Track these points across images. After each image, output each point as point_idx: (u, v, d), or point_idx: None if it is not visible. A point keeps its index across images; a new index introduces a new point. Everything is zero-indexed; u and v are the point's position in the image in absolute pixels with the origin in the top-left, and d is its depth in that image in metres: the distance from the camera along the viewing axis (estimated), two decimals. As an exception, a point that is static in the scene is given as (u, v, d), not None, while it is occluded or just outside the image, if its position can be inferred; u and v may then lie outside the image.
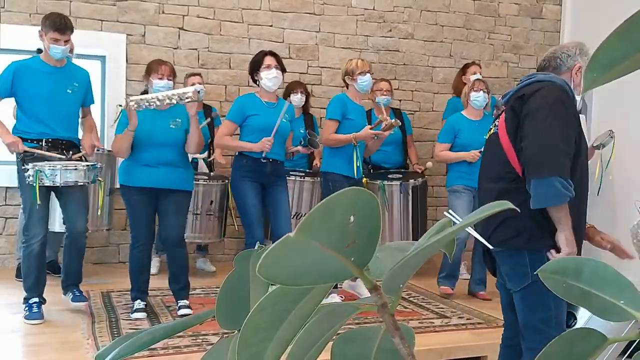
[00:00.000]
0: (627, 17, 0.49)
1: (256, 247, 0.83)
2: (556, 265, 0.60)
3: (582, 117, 6.28)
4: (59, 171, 3.87)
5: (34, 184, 3.81)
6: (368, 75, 4.72)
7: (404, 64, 6.66)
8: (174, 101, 3.97)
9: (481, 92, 4.90)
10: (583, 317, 2.44)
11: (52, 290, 4.27)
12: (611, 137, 5.43)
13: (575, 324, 2.50)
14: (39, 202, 3.85)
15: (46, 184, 3.87)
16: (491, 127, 2.65)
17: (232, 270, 0.83)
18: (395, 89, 6.58)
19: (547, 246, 2.32)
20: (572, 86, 2.50)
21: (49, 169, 3.85)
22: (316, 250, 0.48)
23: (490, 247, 2.29)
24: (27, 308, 3.99)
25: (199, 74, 5.54)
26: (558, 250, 2.31)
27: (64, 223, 4.23)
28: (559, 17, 7.16)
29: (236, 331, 0.84)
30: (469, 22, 6.87)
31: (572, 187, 2.24)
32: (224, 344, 0.87)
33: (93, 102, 4.45)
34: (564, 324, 2.39)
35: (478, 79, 5.11)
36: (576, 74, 2.52)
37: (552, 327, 2.33)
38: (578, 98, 2.53)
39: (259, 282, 0.81)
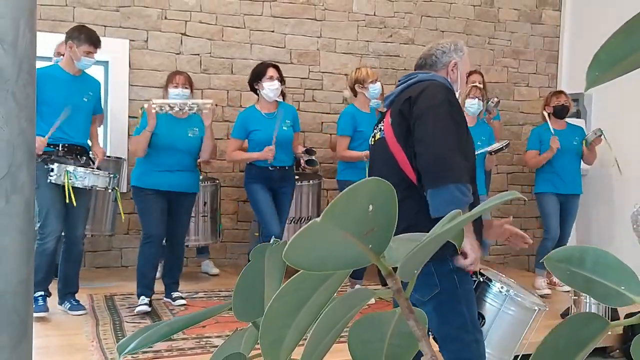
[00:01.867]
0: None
1: (271, 242, 0.87)
2: (560, 254, 0.63)
3: (581, 121, 6.35)
4: (89, 175, 4.09)
5: (61, 184, 4.00)
6: (378, 83, 5.01)
7: (405, 69, 6.70)
8: (194, 110, 4.35)
9: (476, 99, 5.03)
10: (490, 317, 2.45)
11: (57, 293, 4.31)
12: (596, 134, 5.50)
13: (484, 323, 2.49)
14: (74, 202, 4.01)
15: (76, 185, 4.05)
16: (375, 131, 2.55)
17: (249, 264, 0.87)
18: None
19: (450, 254, 2.23)
20: (450, 83, 2.46)
21: (80, 172, 4.05)
22: (338, 236, 0.51)
23: None
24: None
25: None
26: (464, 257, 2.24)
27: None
28: (559, 22, 7.21)
29: (250, 324, 0.88)
30: (469, 28, 6.92)
31: (471, 191, 2.19)
32: (238, 337, 0.91)
33: (102, 112, 4.69)
34: (479, 325, 2.33)
35: (475, 86, 5.20)
36: (452, 70, 2.49)
37: (470, 332, 2.27)
38: (457, 94, 2.45)
39: (274, 274, 0.84)
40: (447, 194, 2.14)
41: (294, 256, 0.52)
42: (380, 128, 2.47)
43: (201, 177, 5.58)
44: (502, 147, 5.22)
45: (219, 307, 0.92)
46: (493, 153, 5.23)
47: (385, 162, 2.36)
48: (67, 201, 4.02)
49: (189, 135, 4.44)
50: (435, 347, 2.38)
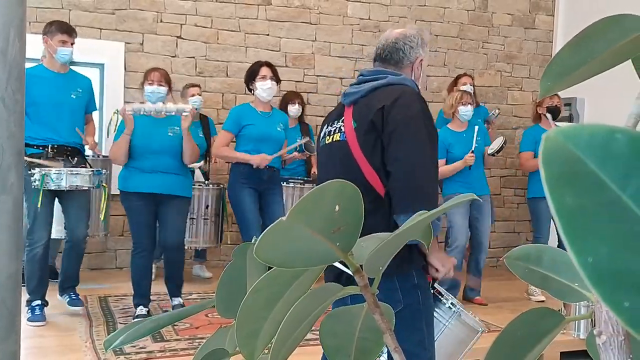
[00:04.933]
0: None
1: (252, 241, 0.90)
2: (519, 252, 0.67)
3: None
4: (65, 175, 4.00)
5: (40, 188, 3.93)
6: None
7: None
8: (172, 112, 4.17)
9: (469, 105, 5.03)
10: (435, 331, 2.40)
11: (50, 294, 4.33)
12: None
13: None
14: (39, 205, 3.96)
15: (52, 188, 3.99)
16: (330, 129, 2.33)
17: (231, 262, 0.90)
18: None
19: (415, 269, 2.14)
20: (413, 79, 2.30)
21: (55, 173, 3.98)
22: (306, 234, 0.55)
23: (350, 272, 1.98)
24: (29, 310, 4.07)
25: (198, 85, 5.63)
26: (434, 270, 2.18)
27: (65, 228, 4.32)
28: (552, 27, 7.27)
29: (233, 320, 0.91)
30: (463, 32, 6.97)
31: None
32: (222, 333, 0.94)
33: (95, 109, 4.59)
34: (434, 342, 2.26)
35: (466, 92, 5.21)
36: (418, 67, 2.31)
37: (427, 349, 2.18)
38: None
39: (255, 271, 0.88)
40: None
41: (264, 253, 0.56)
42: (340, 128, 2.25)
43: (208, 181, 5.63)
44: (502, 146, 5.23)
45: (202, 305, 0.95)
46: (495, 154, 5.26)
47: (348, 169, 2.16)
48: (39, 204, 3.97)
49: (169, 134, 4.24)
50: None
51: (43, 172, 3.97)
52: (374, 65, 2.35)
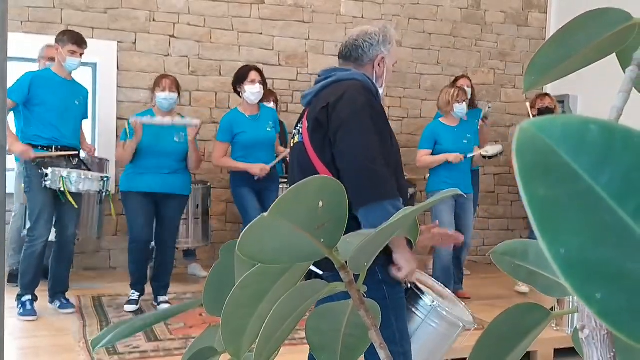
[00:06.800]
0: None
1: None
2: (505, 248, 0.67)
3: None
4: (83, 180, 4.21)
5: (56, 188, 4.13)
6: None
7: (392, 71, 6.74)
8: (183, 124, 4.51)
9: (464, 103, 5.10)
10: (413, 327, 2.33)
11: (45, 295, 4.33)
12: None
13: None
14: (74, 205, 4.20)
15: (71, 190, 4.16)
16: (294, 132, 2.37)
17: (218, 260, 0.90)
18: (383, 96, 6.72)
19: (380, 265, 2.08)
20: (374, 79, 2.29)
21: (75, 177, 4.18)
22: (289, 230, 0.54)
23: (320, 272, 1.84)
24: (20, 306, 4.17)
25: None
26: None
27: (54, 227, 4.35)
28: (545, 25, 7.28)
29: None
30: (456, 30, 6.98)
31: (402, 202, 2.05)
32: (212, 331, 0.94)
33: (87, 117, 4.78)
34: (408, 337, 2.20)
35: (462, 89, 5.26)
36: (379, 65, 2.30)
37: (397, 344, 2.11)
38: (381, 90, 2.32)
39: (243, 268, 0.87)
40: (381, 211, 1.98)
41: (247, 249, 0.55)
42: (299, 130, 2.29)
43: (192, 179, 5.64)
44: (497, 155, 5.24)
45: (190, 303, 0.95)
46: (488, 158, 5.26)
47: (305, 169, 2.19)
48: (68, 203, 4.15)
49: (175, 140, 4.51)
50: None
51: (62, 175, 4.12)
52: (338, 63, 2.36)
